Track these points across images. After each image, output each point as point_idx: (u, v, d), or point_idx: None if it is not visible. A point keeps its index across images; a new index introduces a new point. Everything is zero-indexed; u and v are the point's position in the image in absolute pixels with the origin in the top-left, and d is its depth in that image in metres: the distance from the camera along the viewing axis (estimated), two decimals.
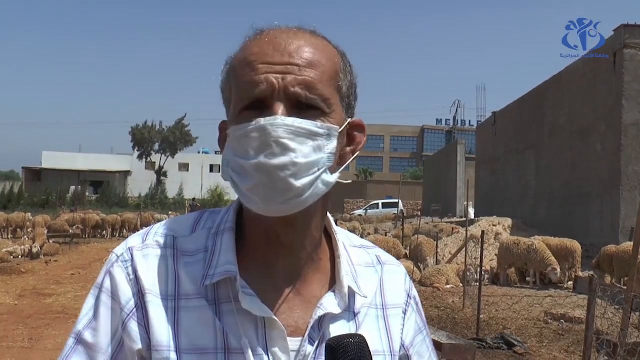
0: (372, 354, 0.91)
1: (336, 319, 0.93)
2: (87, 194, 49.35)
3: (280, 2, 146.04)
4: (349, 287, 0.94)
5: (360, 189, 51.63)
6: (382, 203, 40.75)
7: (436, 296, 10.85)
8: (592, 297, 5.23)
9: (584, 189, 16.51)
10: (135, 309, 0.89)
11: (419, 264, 13.69)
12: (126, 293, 0.90)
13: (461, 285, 11.00)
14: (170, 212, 35.95)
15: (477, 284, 8.84)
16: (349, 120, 0.93)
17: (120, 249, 0.95)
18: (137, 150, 58.83)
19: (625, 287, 7.12)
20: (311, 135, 0.85)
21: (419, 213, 31.74)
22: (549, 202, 19.32)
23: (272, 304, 0.90)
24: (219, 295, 0.90)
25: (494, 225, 17.95)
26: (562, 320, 8.59)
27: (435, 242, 14.62)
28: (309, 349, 0.90)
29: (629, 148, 14.47)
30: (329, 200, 0.96)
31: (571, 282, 11.83)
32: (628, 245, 10.38)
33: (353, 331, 0.94)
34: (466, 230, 12.67)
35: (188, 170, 62.97)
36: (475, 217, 21.98)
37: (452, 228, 19.54)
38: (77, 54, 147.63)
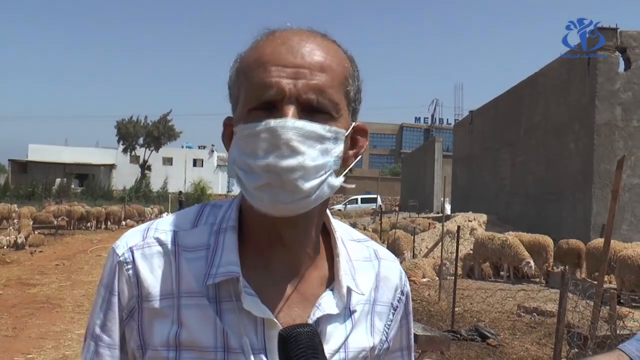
0: (361, 350, 0.97)
1: (333, 318, 0.94)
2: (73, 186, 49.06)
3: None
4: (347, 287, 0.95)
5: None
6: (361, 198, 40.81)
7: (412, 289, 10.95)
8: (564, 291, 5.32)
9: (558, 187, 16.82)
10: (133, 311, 0.92)
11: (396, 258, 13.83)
12: (126, 294, 0.92)
13: (437, 278, 11.15)
14: (152, 205, 35.77)
15: (453, 277, 8.98)
16: (353, 124, 0.94)
17: (121, 248, 0.95)
18: (122, 144, 58.62)
19: (595, 282, 7.29)
20: (319, 138, 0.85)
21: (397, 208, 31.98)
22: (524, 199, 19.63)
23: (272, 302, 0.91)
24: (220, 294, 0.90)
25: (469, 220, 18.18)
26: (534, 314, 8.74)
27: (412, 237, 14.77)
28: None
29: (601, 147, 14.78)
30: (328, 200, 0.95)
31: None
32: (598, 241, 10.66)
33: (349, 329, 0.96)
34: (442, 226, 12.85)
35: (172, 164, 63.14)
36: (451, 212, 22.21)
37: (429, 223, 19.73)
38: (63, 48, 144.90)
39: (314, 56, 0.88)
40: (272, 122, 0.83)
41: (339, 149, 0.88)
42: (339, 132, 0.88)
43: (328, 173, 0.87)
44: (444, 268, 10.87)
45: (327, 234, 1.01)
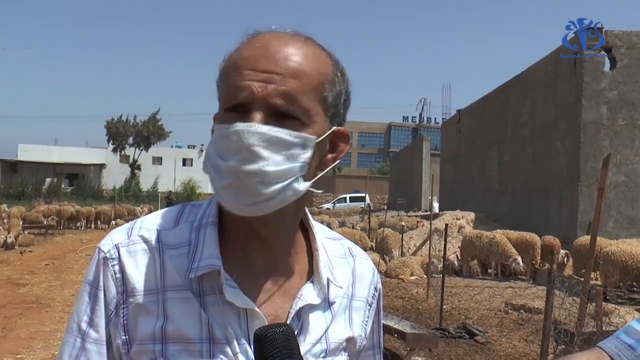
0: (341, 341, 1.01)
1: (314, 308, 0.98)
2: (63, 186, 49.15)
3: None
4: (327, 279, 0.99)
5: (329, 183, 51.76)
6: (350, 197, 40.85)
7: (401, 287, 11.01)
8: (551, 288, 5.35)
9: (545, 185, 16.94)
10: (118, 307, 0.93)
11: (385, 256, 13.86)
12: (111, 291, 0.93)
13: (425, 276, 11.20)
14: (142, 205, 35.61)
15: (441, 275, 9.02)
16: (334, 128, 0.95)
17: (107, 245, 0.96)
18: (112, 144, 58.66)
19: (582, 279, 7.36)
20: (284, 144, 0.87)
21: (385, 207, 32.04)
22: (511, 197, 19.76)
23: (253, 295, 0.94)
24: (203, 288, 0.93)
25: (457, 219, 18.24)
26: (521, 311, 8.80)
27: (401, 235, 14.81)
28: None
29: (587, 145, 14.90)
30: (305, 199, 0.97)
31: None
32: (585, 239, 10.77)
33: (329, 320, 1.00)
34: (430, 224, 12.89)
35: (161, 164, 63.23)
36: (439, 211, 22.29)
37: (417, 221, 19.78)
38: (53, 47, 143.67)
39: (288, 62, 0.89)
40: (240, 126, 0.86)
41: (306, 155, 0.89)
42: (307, 138, 0.89)
43: (292, 178, 0.88)
44: (431, 266, 10.92)
45: (305, 230, 1.05)
